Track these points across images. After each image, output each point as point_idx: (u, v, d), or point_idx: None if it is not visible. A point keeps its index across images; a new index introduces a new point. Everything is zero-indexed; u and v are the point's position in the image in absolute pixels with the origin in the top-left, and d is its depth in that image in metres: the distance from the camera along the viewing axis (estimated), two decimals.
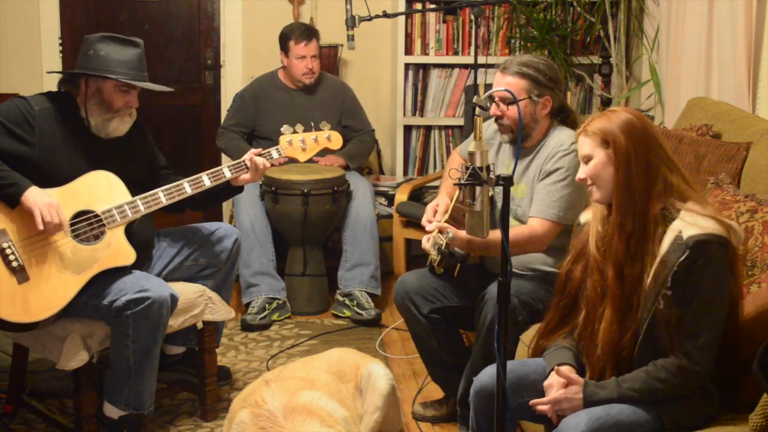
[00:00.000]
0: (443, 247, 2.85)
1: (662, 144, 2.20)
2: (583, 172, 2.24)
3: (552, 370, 2.25)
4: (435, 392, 3.35)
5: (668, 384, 2.11)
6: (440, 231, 2.88)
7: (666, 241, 2.11)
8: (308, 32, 4.46)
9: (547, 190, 2.87)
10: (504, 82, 2.89)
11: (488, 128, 3.12)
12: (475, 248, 2.86)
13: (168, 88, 3.11)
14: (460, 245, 2.84)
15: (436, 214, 3.07)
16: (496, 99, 2.92)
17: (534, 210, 2.89)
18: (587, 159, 2.22)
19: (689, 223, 2.10)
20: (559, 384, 2.20)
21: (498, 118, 2.95)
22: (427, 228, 2.96)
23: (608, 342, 2.18)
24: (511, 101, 2.87)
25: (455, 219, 3.03)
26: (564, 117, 2.99)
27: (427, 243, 2.94)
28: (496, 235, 2.77)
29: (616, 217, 2.17)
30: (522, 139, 2.94)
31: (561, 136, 2.92)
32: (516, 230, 2.84)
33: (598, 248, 2.23)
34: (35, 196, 2.74)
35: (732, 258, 2.12)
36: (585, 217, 2.36)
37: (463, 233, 2.80)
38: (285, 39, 4.48)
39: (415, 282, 3.05)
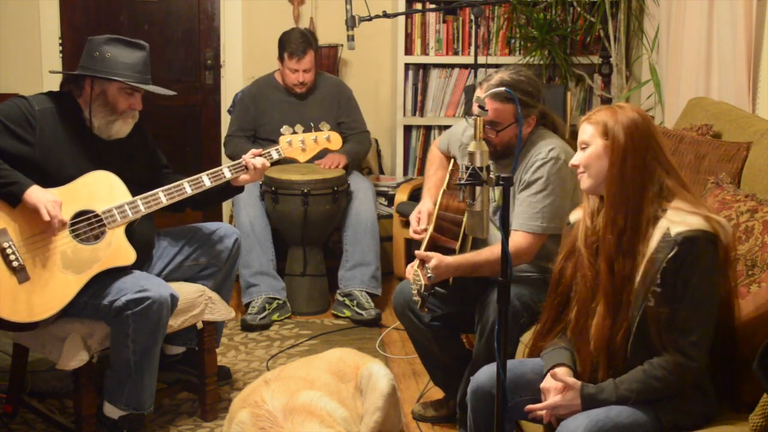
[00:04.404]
0: (422, 290, 2.74)
1: (662, 147, 2.20)
2: (576, 159, 2.24)
3: (549, 370, 2.25)
4: (435, 393, 3.35)
5: (665, 382, 2.10)
6: (422, 261, 2.76)
7: (654, 240, 2.12)
8: (304, 47, 4.39)
9: (528, 202, 2.82)
10: (491, 109, 2.78)
11: (465, 132, 3.06)
12: (464, 272, 2.77)
13: (171, 92, 3.11)
14: (447, 273, 2.74)
15: (420, 222, 3.01)
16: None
17: (516, 223, 2.82)
18: (584, 146, 2.23)
19: (676, 221, 2.10)
20: (557, 389, 2.19)
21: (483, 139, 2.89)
22: (407, 269, 2.87)
23: (601, 337, 2.18)
24: (500, 128, 2.82)
25: (440, 230, 2.94)
26: (543, 122, 2.94)
27: (410, 274, 2.83)
28: (484, 254, 2.77)
29: (609, 212, 2.18)
30: (503, 156, 2.88)
31: (539, 144, 2.86)
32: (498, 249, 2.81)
33: (586, 243, 2.23)
34: (39, 193, 2.74)
35: (722, 255, 2.12)
36: (575, 216, 2.37)
37: (449, 259, 2.73)
38: (282, 47, 4.45)
39: None
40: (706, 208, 2.17)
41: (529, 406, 2.23)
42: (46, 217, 2.71)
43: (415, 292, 2.82)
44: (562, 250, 2.36)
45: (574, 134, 5.00)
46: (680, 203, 2.14)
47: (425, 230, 2.99)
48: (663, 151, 2.20)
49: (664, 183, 2.16)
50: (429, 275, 2.71)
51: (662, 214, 2.14)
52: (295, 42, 4.41)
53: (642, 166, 2.15)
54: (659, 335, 2.11)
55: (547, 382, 2.23)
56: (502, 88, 2.31)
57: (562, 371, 2.22)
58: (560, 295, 2.34)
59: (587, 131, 2.22)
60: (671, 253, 2.07)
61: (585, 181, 2.24)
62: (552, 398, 2.19)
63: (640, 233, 2.14)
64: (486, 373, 2.34)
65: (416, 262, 2.82)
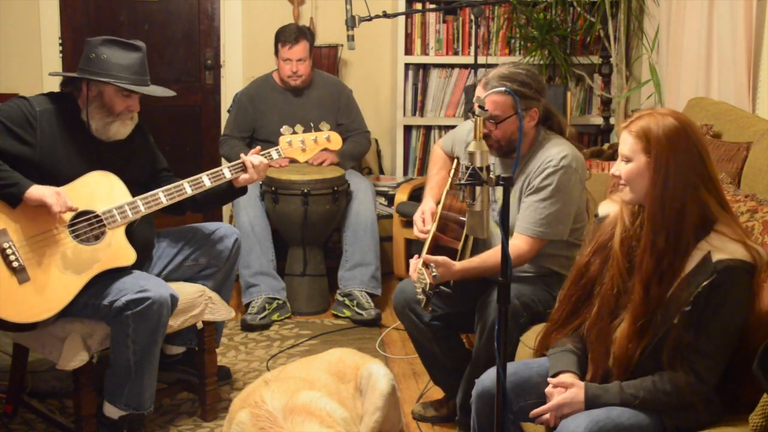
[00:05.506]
0: (427, 289, 2.75)
1: (705, 159, 2.11)
2: (618, 170, 2.17)
3: (554, 375, 2.24)
4: (435, 392, 3.35)
5: (672, 397, 2.10)
6: (425, 263, 2.77)
7: (693, 261, 2.08)
8: (296, 34, 4.40)
9: (534, 207, 2.83)
10: (489, 101, 2.76)
11: (470, 134, 3.04)
12: (469, 275, 2.80)
13: (170, 92, 3.09)
14: (453, 277, 2.76)
15: (425, 223, 3.02)
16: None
17: (520, 226, 2.83)
18: (626, 159, 2.15)
19: (718, 246, 2.06)
20: (560, 390, 2.19)
21: (485, 135, 2.87)
22: (412, 263, 2.89)
23: (623, 355, 2.15)
24: (499, 120, 2.81)
25: (443, 230, 2.95)
26: (550, 123, 2.94)
27: (414, 273, 2.85)
28: (491, 260, 2.78)
29: (649, 234, 2.11)
30: (508, 153, 2.89)
31: (550, 149, 2.85)
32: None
33: (622, 246, 2.18)
34: (40, 188, 2.74)
35: (755, 281, 2.08)
36: (605, 209, 2.31)
37: (457, 265, 2.76)
38: (276, 39, 4.48)
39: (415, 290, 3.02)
40: (745, 233, 2.12)
41: (534, 411, 2.22)
42: (54, 204, 2.71)
43: (419, 291, 2.82)
44: (591, 244, 2.30)
45: (574, 134, 5.00)
46: (723, 227, 2.09)
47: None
48: (705, 164, 2.11)
49: (706, 203, 2.09)
50: (434, 274, 2.72)
51: (704, 236, 2.09)
52: (288, 30, 4.44)
53: (684, 184, 2.08)
54: (674, 352, 2.09)
55: (551, 388, 2.23)
56: (502, 88, 2.31)
57: (563, 377, 2.21)
58: (582, 288, 2.28)
59: (628, 143, 2.13)
60: (708, 280, 2.04)
61: (627, 194, 2.17)
62: (556, 398, 2.18)
63: (679, 254, 2.10)
64: (491, 376, 2.31)
65: (420, 261, 2.83)
